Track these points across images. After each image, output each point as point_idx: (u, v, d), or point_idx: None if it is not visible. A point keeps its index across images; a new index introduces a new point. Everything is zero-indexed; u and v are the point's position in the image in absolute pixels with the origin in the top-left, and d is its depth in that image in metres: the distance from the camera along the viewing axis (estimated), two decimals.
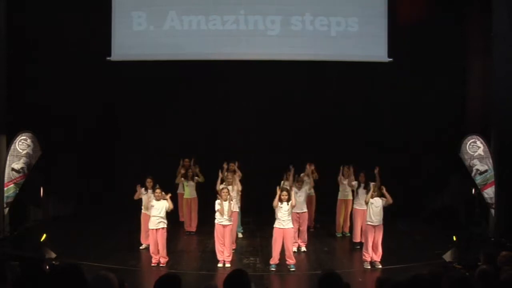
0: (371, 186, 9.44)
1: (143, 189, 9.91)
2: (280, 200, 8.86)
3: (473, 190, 10.76)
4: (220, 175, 9.93)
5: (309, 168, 10.78)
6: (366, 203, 9.24)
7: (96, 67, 12.36)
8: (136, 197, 9.93)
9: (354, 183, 10.45)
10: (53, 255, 8.86)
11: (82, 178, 12.54)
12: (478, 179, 10.21)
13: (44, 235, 9.13)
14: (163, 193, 9.27)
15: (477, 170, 10.17)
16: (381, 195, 9.09)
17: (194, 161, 11.34)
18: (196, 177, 11.25)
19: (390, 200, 9.03)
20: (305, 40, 12.47)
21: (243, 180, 10.79)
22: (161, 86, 12.93)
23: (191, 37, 12.46)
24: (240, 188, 10.17)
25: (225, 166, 10.29)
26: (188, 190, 11.26)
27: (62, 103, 12.24)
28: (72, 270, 3.69)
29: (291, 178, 9.85)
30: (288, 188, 9.22)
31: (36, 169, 10.75)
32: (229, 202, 9.15)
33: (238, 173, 10.64)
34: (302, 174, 10.59)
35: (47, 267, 5.68)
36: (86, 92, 12.42)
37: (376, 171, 9.56)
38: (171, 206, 9.29)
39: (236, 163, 10.76)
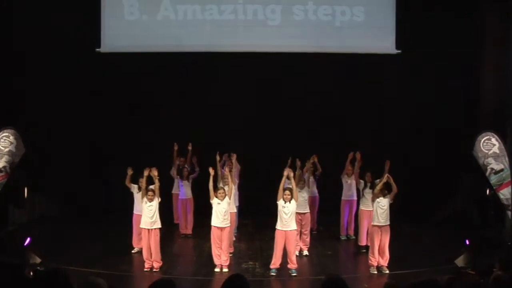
0: (377, 182, 9.41)
1: (136, 187, 9.86)
2: (283, 200, 8.84)
3: (488, 191, 10.73)
4: (211, 172, 9.33)
5: (311, 160, 10.69)
6: (374, 198, 9.19)
7: (84, 59, 12.31)
8: (127, 182, 9.79)
9: (360, 181, 10.45)
10: (38, 259, 8.79)
11: (70, 177, 12.49)
12: (493, 179, 10.17)
13: (28, 238, 9.08)
14: (155, 193, 9.22)
15: (492, 169, 10.14)
16: (387, 190, 9.08)
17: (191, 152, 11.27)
18: (193, 176, 11.21)
19: (395, 189, 9.00)
20: (307, 30, 12.47)
21: (243, 177, 10.82)
22: (154, 80, 12.88)
23: (187, 28, 12.46)
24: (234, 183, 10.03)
25: (217, 158, 10.06)
26: (183, 190, 11.22)
27: (48, 98, 12.20)
28: (57, 275, 3.68)
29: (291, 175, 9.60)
30: (291, 187, 9.20)
31: (19, 168, 10.70)
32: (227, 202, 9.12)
33: (238, 167, 10.61)
34: (304, 169, 10.56)
35: (31, 273, 5.65)
36: (74, 86, 12.38)
37: (386, 166, 9.50)
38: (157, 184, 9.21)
39: (234, 156, 10.72)
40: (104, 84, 12.78)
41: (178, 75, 12.95)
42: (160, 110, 12.97)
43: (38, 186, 12.17)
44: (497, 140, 10.18)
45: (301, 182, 9.99)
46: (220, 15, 12.47)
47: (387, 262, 9.10)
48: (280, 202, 8.87)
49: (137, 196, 9.75)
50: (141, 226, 9.21)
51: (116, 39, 12.43)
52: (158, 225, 9.14)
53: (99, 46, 12.39)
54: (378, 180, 9.42)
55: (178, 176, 11.29)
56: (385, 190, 9.13)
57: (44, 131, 12.26)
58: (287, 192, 8.88)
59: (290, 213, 8.85)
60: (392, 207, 9.08)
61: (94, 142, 12.75)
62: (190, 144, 11.38)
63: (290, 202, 8.85)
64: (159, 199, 9.22)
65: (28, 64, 12.11)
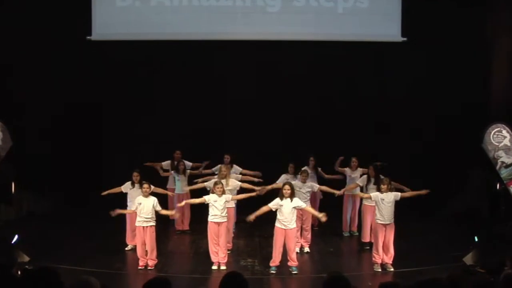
0: (382, 180, 9.35)
1: (129, 183, 9.84)
2: (282, 197, 8.79)
3: (498, 185, 10.72)
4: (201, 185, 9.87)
5: (313, 162, 10.85)
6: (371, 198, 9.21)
7: (74, 48, 12.25)
8: (113, 190, 9.84)
9: (361, 178, 10.41)
10: (26, 258, 8.79)
11: (61, 171, 12.46)
12: (504, 173, 10.17)
13: (16, 236, 9.06)
14: (152, 186, 9.22)
15: (503, 162, 10.14)
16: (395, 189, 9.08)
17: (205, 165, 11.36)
18: (189, 170, 11.20)
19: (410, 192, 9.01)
20: (308, 17, 12.41)
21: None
22: (148, 70, 12.86)
23: (182, 14, 12.40)
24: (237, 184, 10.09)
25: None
26: (179, 185, 11.20)
27: (37, 89, 12.15)
28: (46, 274, 3.66)
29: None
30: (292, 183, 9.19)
31: (6, 162, 10.67)
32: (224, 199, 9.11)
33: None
34: (305, 167, 10.57)
35: (19, 272, 5.62)
36: (64, 77, 12.33)
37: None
38: (161, 210, 9.23)
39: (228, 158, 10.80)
40: (96, 75, 12.72)
41: (173, 64, 12.90)
42: (156, 101, 12.91)
43: (28, 181, 12.14)
44: (508, 132, 10.17)
45: (303, 175, 9.97)
46: (217, 1, 12.42)
47: (391, 259, 9.08)
48: (277, 200, 8.80)
49: (131, 193, 9.73)
50: (136, 224, 9.18)
51: (108, 26, 12.37)
52: (154, 222, 9.13)
53: (90, 34, 12.32)
54: (385, 179, 9.29)
55: (174, 171, 11.27)
56: (390, 185, 9.11)
57: (36, 125, 12.23)
58: (287, 186, 8.83)
59: (291, 210, 8.80)
60: (397, 201, 9.06)
61: (88, 137, 12.73)
62: (181, 151, 11.42)
63: (291, 199, 8.77)
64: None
65: (16, 55, 12.03)
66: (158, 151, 11.90)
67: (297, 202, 8.88)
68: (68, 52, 12.28)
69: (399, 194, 9.06)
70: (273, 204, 8.79)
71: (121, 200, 9.96)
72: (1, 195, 11.46)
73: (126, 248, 10.09)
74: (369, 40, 12.45)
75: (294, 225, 8.94)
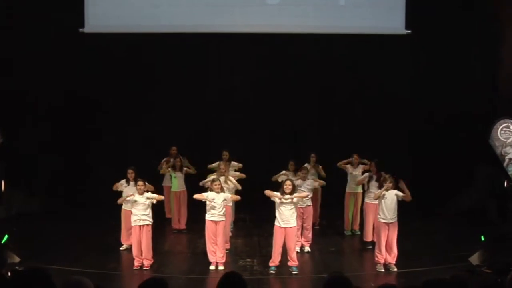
0: (385, 178, 9.33)
1: (124, 180, 9.84)
2: (283, 193, 8.78)
3: (506, 183, 10.71)
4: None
5: (314, 159, 10.86)
6: (377, 198, 9.18)
7: (66, 41, 12.21)
8: (114, 188, 9.87)
9: (363, 176, 10.39)
10: (17, 259, 8.80)
11: (52, 169, 12.45)
12: None
13: (6, 236, 9.04)
14: (147, 184, 9.20)
15: (510, 159, 10.13)
16: (397, 188, 9.03)
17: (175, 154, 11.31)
18: (186, 168, 11.19)
19: (409, 197, 8.93)
20: (309, 9, 12.39)
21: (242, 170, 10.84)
22: (142, 63, 12.83)
23: (178, 6, 12.38)
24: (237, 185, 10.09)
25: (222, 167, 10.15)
26: (176, 182, 11.19)
27: (26, 84, 12.12)
28: (37, 275, 3.64)
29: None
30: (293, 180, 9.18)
31: None
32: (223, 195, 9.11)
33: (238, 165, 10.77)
34: (306, 165, 10.56)
35: (9, 274, 5.60)
36: (54, 70, 12.30)
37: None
38: (160, 197, 9.27)
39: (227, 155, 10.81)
40: (88, 68, 12.69)
41: (169, 59, 12.89)
42: (154, 97, 12.89)
43: (18, 179, 12.13)
44: None
45: (303, 172, 9.96)
46: None
47: (395, 259, 9.07)
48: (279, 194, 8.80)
49: (125, 190, 9.72)
50: (132, 224, 9.17)
51: (101, 18, 12.32)
52: (150, 221, 9.12)
53: (82, 26, 12.28)
54: (388, 176, 9.30)
55: (171, 168, 11.26)
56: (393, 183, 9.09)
57: (30, 123, 12.23)
58: (288, 182, 8.81)
59: (291, 208, 8.79)
60: (400, 200, 9.05)
61: (78, 130, 12.71)
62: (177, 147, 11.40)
63: (291, 196, 8.75)
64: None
65: (12, 53, 12.01)
66: (158, 150, 11.88)
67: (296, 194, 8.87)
68: (65, 48, 12.23)
69: (400, 193, 9.02)
70: (277, 193, 8.75)
71: (116, 197, 9.95)
72: None
73: (121, 248, 10.09)
74: (372, 33, 12.41)
75: (294, 224, 8.93)
